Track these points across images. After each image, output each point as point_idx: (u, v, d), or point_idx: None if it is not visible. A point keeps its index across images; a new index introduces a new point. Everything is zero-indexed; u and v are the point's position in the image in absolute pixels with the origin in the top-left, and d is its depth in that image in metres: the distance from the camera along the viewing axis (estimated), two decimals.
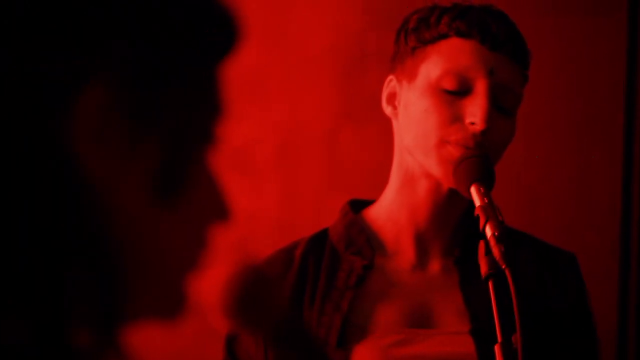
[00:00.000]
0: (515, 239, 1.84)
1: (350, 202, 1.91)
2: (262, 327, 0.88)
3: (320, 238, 1.90)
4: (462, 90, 1.74)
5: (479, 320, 1.71)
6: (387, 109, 1.84)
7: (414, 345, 1.76)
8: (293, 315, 0.90)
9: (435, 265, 1.84)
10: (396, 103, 1.82)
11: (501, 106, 1.76)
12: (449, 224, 1.83)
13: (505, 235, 1.57)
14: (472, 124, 1.72)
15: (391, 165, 1.89)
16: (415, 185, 1.81)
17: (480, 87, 1.73)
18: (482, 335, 1.70)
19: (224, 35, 0.82)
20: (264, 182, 2.55)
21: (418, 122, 1.77)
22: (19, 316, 0.71)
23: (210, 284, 0.91)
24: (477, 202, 1.65)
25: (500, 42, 1.76)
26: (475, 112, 1.72)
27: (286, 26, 2.52)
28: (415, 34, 1.79)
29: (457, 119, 1.73)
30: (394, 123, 1.85)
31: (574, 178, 2.63)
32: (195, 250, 0.84)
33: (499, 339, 1.53)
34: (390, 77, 1.84)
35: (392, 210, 1.85)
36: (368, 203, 1.91)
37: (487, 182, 1.67)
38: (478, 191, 1.67)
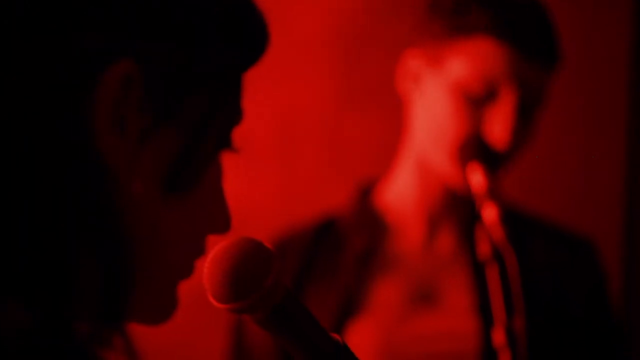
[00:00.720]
0: (524, 223, 1.82)
1: (359, 185, 1.90)
2: (259, 306, 0.86)
3: (328, 221, 1.88)
4: (491, 95, 1.68)
5: (486, 300, 1.68)
6: (403, 86, 1.80)
7: (414, 322, 1.75)
8: (294, 297, 0.89)
9: (445, 245, 1.82)
10: (415, 83, 1.76)
11: (525, 108, 1.70)
12: (462, 204, 1.80)
13: (505, 217, 1.54)
14: (492, 142, 1.67)
15: (393, 146, 1.88)
16: (427, 169, 1.78)
17: (508, 101, 1.67)
18: (488, 315, 1.68)
19: (257, 46, 0.83)
20: (263, 167, 2.54)
21: (435, 121, 1.72)
22: (23, 301, 0.71)
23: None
24: (474, 182, 1.63)
25: (538, 51, 1.68)
26: (499, 129, 1.66)
27: (286, 9, 2.51)
28: (449, 20, 1.70)
29: (477, 128, 1.68)
30: (408, 102, 1.80)
31: (576, 171, 2.62)
32: (192, 257, 0.84)
33: (496, 322, 1.52)
34: (412, 52, 1.77)
35: (403, 193, 1.82)
36: (378, 181, 1.89)
37: (486, 163, 1.64)
38: (475, 170, 1.63)
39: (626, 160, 2.60)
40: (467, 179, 1.66)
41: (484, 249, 1.55)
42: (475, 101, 1.68)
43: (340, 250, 1.82)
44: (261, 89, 2.53)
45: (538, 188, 2.56)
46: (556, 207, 2.42)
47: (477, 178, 1.62)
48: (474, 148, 1.67)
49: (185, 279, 0.84)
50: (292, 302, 0.88)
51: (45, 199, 0.71)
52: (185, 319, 2.39)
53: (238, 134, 0.85)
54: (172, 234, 0.80)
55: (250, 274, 0.85)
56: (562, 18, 2.56)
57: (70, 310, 0.72)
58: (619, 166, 2.61)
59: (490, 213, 1.55)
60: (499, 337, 1.50)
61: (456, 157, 1.69)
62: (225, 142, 0.82)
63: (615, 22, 2.59)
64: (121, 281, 0.74)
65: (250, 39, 0.82)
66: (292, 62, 2.54)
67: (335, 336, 0.90)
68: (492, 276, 1.52)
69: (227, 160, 0.87)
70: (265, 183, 2.54)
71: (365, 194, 1.87)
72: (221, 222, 0.86)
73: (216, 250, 0.86)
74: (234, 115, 0.83)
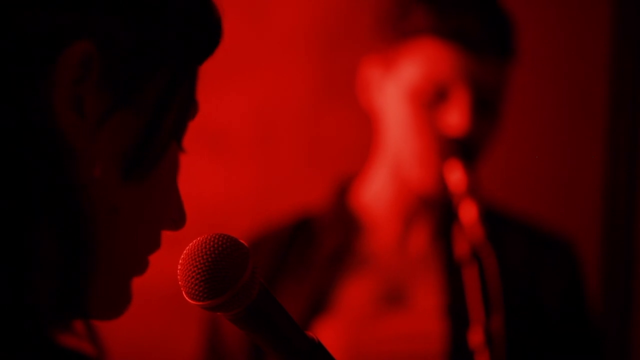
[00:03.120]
0: (502, 221, 1.82)
1: (336, 183, 1.89)
2: (234, 304, 0.85)
3: (304, 219, 1.88)
4: (442, 97, 1.68)
5: (458, 301, 1.68)
6: (366, 96, 1.80)
7: (382, 322, 1.75)
8: (269, 295, 0.87)
9: (418, 246, 1.81)
10: (378, 92, 1.77)
11: (486, 103, 1.69)
12: (437, 204, 1.79)
13: (485, 216, 1.54)
14: (451, 139, 1.67)
15: (371, 143, 1.87)
16: (401, 173, 1.77)
17: (461, 98, 1.67)
18: (459, 315, 1.67)
19: (211, 36, 0.83)
20: (241, 163, 2.53)
21: (399, 128, 1.72)
22: None
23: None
24: (453, 180, 1.62)
25: (485, 47, 1.67)
26: (455, 125, 1.66)
27: (264, 4, 2.49)
28: (395, 24, 1.71)
29: (436, 128, 1.68)
30: (374, 110, 1.81)
31: (556, 168, 2.62)
32: (147, 250, 0.83)
33: (474, 322, 1.51)
34: (369, 60, 1.78)
35: (378, 194, 1.82)
36: (353, 179, 1.89)
37: (465, 160, 1.64)
38: (454, 168, 1.63)
39: (606, 156, 2.60)
40: (445, 177, 1.65)
41: (461, 248, 1.54)
42: (430, 104, 1.67)
43: (313, 248, 1.82)
44: (239, 85, 2.52)
45: (518, 185, 2.56)
46: (536, 204, 2.42)
47: (456, 176, 1.62)
48: (445, 148, 1.67)
49: (139, 275, 0.83)
50: (268, 300, 0.86)
51: (4, 178, 0.70)
52: (158, 314, 2.38)
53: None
54: (128, 224, 0.79)
55: (224, 271, 0.83)
56: (542, 15, 2.56)
57: (29, 291, 0.71)
58: (598, 163, 2.61)
59: (469, 212, 1.54)
60: (476, 337, 1.48)
61: (424, 162, 1.69)
62: (180, 133, 0.82)
63: (595, 18, 2.59)
64: (82, 261, 0.74)
65: (205, 29, 0.82)
66: (270, 58, 2.53)
67: (311, 334, 0.89)
68: (470, 276, 1.51)
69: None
70: (243, 179, 2.53)
71: (342, 192, 1.87)
72: (176, 218, 0.85)
73: (190, 246, 0.84)
74: (189, 105, 0.82)
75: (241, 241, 0.86)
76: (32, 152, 0.71)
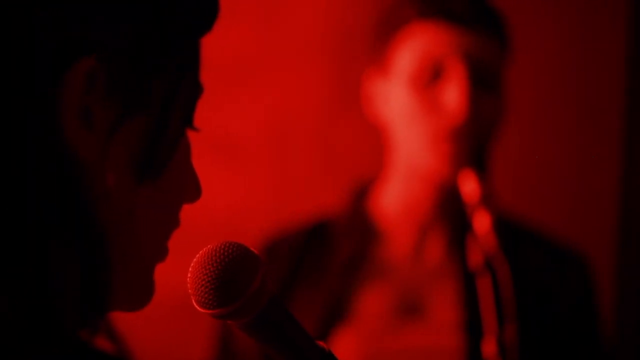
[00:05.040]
0: (514, 231, 1.81)
1: (353, 187, 1.89)
2: (244, 313, 0.85)
3: (320, 223, 1.87)
4: (438, 76, 1.70)
5: (474, 314, 1.67)
6: (373, 110, 1.82)
7: (399, 335, 1.74)
8: (279, 303, 0.87)
9: (434, 255, 1.80)
10: (378, 104, 1.79)
11: (483, 80, 1.71)
12: (452, 214, 1.79)
13: (498, 226, 1.53)
14: (453, 115, 1.68)
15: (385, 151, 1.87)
16: (416, 178, 1.77)
17: (456, 73, 1.68)
18: (475, 329, 1.66)
19: (204, 13, 0.82)
20: (256, 170, 2.53)
21: (402, 120, 1.74)
22: (6, 293, 0.70)
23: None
24: (466, 190, 1.62)
25: (468, 17, 1.70)
26: (454, 102, 1.67)
27: (279, 8, 2.49)
28: (386, 25, 1.75)
29: (439, 109, 1.69)
30: (383, 121, 1.81)
31: (570, 178, 2.61)
32: (168, 232, 0.84)
33: (487, 333, 1.50)
34: (367, 75, 1.81)
35: (394, 201, 1.82)
36: (371, 185, 1.88)
37: (478, 169, 1.64)
38: (468, 178, 1.63)
39: (621, 166, 2.59)
40: (460, 187, 1.65)
41: (475, 258, 1.53)
42: (429, 83, 1.70)
43: (329, 254, 1.81)
44: (254, 92, 2.52)
45: (532, 195, 2.55)
46: (549, 214, 2.41)
47: (470, 186, 1.61)
48: (459, 157, 1.67)
49: (161, 261, 0.84)
50: (278, 309, 0.86)
51: (18, 198, 0.71)
52: (167, 324, 2.38)
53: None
54: (148, 215, 0.80)
55: (235, 279, 0.83)
56: (558, 21, 2.55)
57: (55, 301, 0.72)
58: (613, 173, 2.60)
59: (482, 222, 1.53)
60: (489, 348, 1.48)
61: (434, 144, 1.69)
62: (190, 119, 0.82)
63: (610, 25, 2.58)
64: (101, 270, 0.75)
65: (201, 11, 0.82)
66: (284, 65, 2.53)
67: (321, 343, 0.89)
68: (484, 286, 1.50)
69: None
70: (257, 187, 2.52)
71: (359, 197, 1.87)
72: (192, 191, 0.85)
73: (201, 254, 0.84)
74: (196, 89, 0.82)
75: (251, 249, 0.85)
76: (43, 169, 0.72)
